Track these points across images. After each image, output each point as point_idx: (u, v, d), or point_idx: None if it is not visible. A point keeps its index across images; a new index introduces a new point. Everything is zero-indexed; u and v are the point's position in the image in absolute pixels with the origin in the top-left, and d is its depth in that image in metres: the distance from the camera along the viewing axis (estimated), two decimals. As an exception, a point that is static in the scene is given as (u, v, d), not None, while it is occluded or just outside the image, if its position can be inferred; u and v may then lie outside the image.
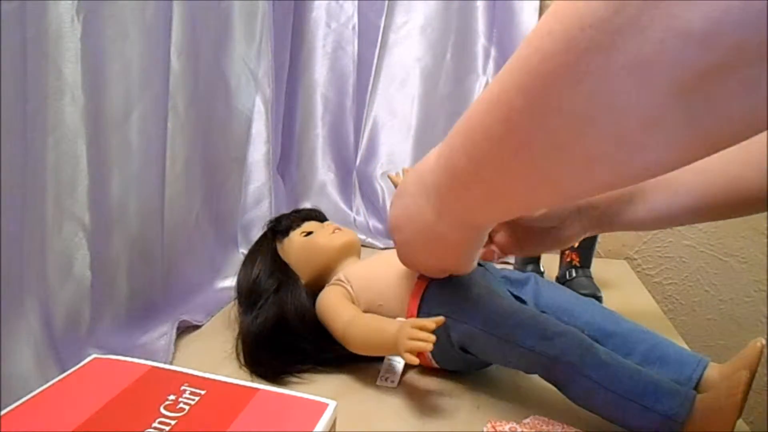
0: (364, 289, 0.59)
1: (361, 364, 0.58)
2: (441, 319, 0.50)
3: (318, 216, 0.70)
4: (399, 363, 0.57)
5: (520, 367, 0.51)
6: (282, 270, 0.63)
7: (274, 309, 0.59)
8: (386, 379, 0.55)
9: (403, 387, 0.56)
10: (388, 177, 0.82)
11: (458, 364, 0.57)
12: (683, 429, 0.43)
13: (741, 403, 0.41)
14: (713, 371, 0.50)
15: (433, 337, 0.48)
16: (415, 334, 0.49)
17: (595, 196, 0.68)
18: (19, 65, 0.47)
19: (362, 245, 0.96)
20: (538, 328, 0.49)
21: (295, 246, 0.65)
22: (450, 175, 0.40)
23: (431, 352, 0.53)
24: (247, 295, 0.62)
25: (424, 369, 0.58)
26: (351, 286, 0.60)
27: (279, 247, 0.65)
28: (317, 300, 0.60)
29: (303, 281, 0.63)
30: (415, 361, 0.49)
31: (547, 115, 0.28)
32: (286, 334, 0.59)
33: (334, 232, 0.66)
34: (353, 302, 0.59)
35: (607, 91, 0.25)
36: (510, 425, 0.48)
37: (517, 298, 0.57)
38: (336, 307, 0.58)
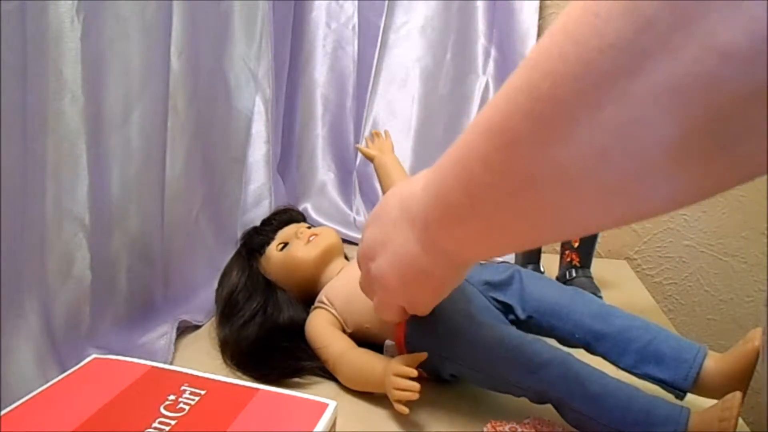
0: (348, 312, 0.58)
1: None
2: (423, 355, 0.50)
3: (290, 216, 0.68)
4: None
5: (513, 395, 0.51)
6: (265, 287, 0.62)
7: (266, 319, 0.59)
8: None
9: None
10: (356, 147, 0.79)
11: (452, 378, 0.56)
12: None
13: (734, 427, 0.41)
14: (711, 363, 0.49)
15: (417, 386, 0.48)
16: (399, 384, 0.48)
17: (609, 229, 0.66)
18: (19, 65, 0.47)
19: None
20: (523, 360, 0.48)
21: (274, 263, 0.64)
22: (441, 207, 0.36)
23: (425, 370, 0.54)
24: (226, 308, 0.62)
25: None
26: (335, 309, 0.59)
27: (258, 265, 0.64)
28: (305, 327, 0.60)
29: (292, 295, 0.62)
30: (405, 411, 0.48)
31: (558, 146, 0.26)
32: (285, 341, 0.58)
33: (309, 239, 0.63)
34: (342, 326, 0.58)
35: (630, 120, 0.23)
36: (510, 425, 0.48)
37: (503, 303, 0.56)
38: (325, 338, 0.57)
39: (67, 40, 0.53)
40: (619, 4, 0.22)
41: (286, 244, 0.64)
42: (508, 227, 0.33)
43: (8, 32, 0.45)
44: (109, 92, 0.59)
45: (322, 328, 0.58)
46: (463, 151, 0.32)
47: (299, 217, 0.70)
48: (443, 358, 0.52)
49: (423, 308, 0.47)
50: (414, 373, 0.49)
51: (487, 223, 0.33)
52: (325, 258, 0.63)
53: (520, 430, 0.48)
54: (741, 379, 0.47)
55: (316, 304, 0.61)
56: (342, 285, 0.60)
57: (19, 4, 0.46)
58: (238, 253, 0.67)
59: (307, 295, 0.63)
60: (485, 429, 0.49)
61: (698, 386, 0.48)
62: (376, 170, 0.75)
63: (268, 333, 0.58)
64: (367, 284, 0.48)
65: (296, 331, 0.59)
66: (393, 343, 0.55)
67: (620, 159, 0.24)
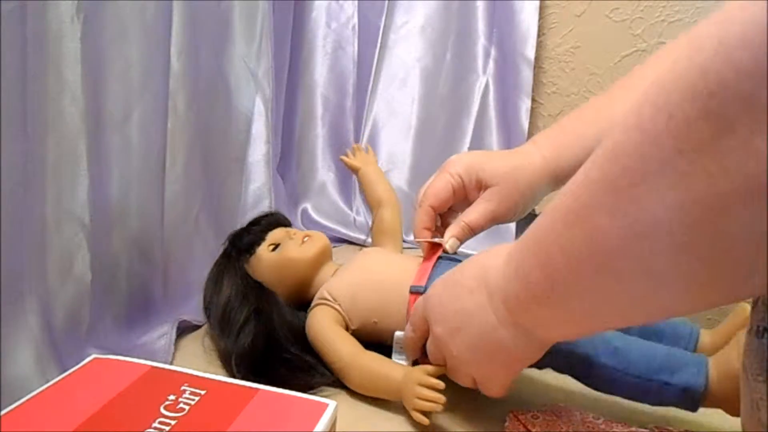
0: (355, 308, 0.57)
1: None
2: (444, 368, 0.49)
3: (278, 221, 0.67)
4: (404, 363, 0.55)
5: (538, 365, 0.50)
6: (257, 290, 0.60)
7: (261, 328, 0.56)
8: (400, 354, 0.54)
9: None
10: (341, 159, 0.78)
11: None
12: (704, 395, 0.46)
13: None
14: (705, 339, 0.52)
15: (442, 398, 0.47)
16: (424, 394, 0.47)
17: (699, 312, 0.66)
18: (19, 65, 0.47)
19: (362, 245, 0.97)
20: None
21: (265, 263, 0.62)
22: (521, 284, 0.37)
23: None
24: (222, 319, 0.59)
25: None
26: (339, 305, 0.57)
27: (247, 266, 0.63)
28: (307, 325, 0.58)
29: (282, 297, 0.61)
30: (426, 421, 0.47)
31: (639, 240, 0.26)
32: (285, 347, 0.56)
33: (303, 240, 0.62)
34: (346, 324, 0.57)
35: (713, 218, 0.23)
36: (531, 413, 0.50)
37: None
38: (332, 341, 0.55)
39: (67, 40, 0.53)
40: (697, 109, 0.22)
41: (276, 246, 0.63)
42: (589, 312, 0.33)
43: (8, 32, 0.45)
44: (109, 92, 0.59)
45: (328, 329, 0.56)
46: (544, 232, 0.33)
47: (286, 222, 0.69)
48: None
49: (495, 386, 0.45)
50: (442, 385, 0.47)
51: (567, 305, 0.34)
52: (321, 258, 0.63)
53: (541, 416, 0.49)
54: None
55: (318, 301, 0.59)
56: (346, 281, 0.59)
57: (19, 4, 0.46)
58: (226, 255, 0.65)
59: (298, 298, 0.62)
60: (507, 417, 0.50)
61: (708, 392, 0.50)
62: (359, 181, 0.76)
63: (266, 338, 0.56)
64: (436, 349, 0.47)
65: (295, 335, 0.58)
66: (402, 333, 0.54)
67: (706, 253, 0.24)
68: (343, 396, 0.54)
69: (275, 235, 0.64)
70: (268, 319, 0.57)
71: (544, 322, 0.38)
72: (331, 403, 0.40)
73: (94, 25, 0.56)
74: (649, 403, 0.49)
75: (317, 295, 0.60)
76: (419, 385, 0.48)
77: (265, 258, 0.62)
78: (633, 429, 0.48)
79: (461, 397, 0.54)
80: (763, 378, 0.31)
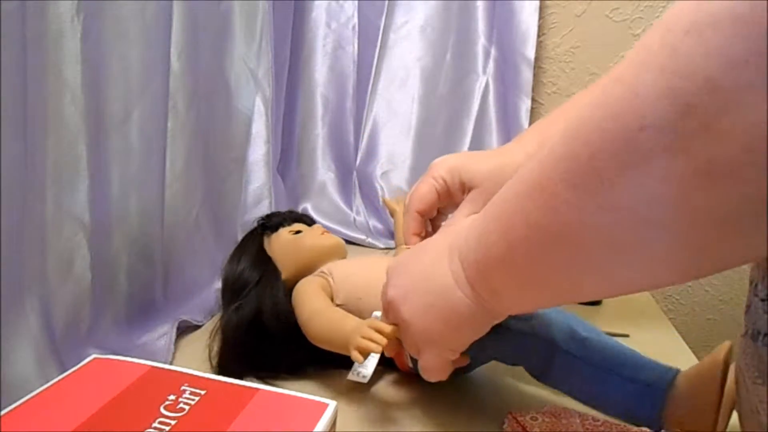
0: (345, 282, 0.59)
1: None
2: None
3: (309, 221, 0.70)
4: (373, 357, 0.54)
5: (497, 352, 0.51)
6: (265, 264, 0.63)
7: (251, 304, 0.59)
8: (357, 374, 0.52)
9: (403, 387, 0.56)
10: (383, 200, 0.91)
11: None
12: (666, 399, 0.43)
13: (725, 366, 0.41)
14: (681, 380, 0.47)
15: (384, 341, 0.46)
16: (368, 334, 0.47)
17: (646, 291, 0.64)
18: (19, 65, 0.47)
19: (362, 245, 0.97)
20: None
21: (282, 241, 0.65)
22: (482, 250, 0.37)
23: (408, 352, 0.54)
24: (230, 288, 0.62)
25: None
26: (332, 278, 0.60)
27: (266, 241, 0.66)
28: (295, 287, 0.60)
29: (284, 276, 0.62)
30: (360, 359, 0.47)
31: (599, 212, 0.26)
32: (259, 333, 0.58)
33: (322, 233, 0.66)
34: (331, 295, 0.59)
35: (674, 195, 0.23)
36: (530, 415, 0.49)
37: None
38: (309, 295, 0.58)
39: (67, 40, 0.53)
40: (660, 88, 0.22)
41: (298, 232, 0.66)
42: (544, 281, 0.33)
43: (8, 32, 0.45)
44: (109, 92, 0.59)
45: (310, 289, 0.59)
46: (508, 201, 0.34)
47: (313, 223, 0.71)
48: None
49: (440, 349, 0.44)
50: (388, 329, 0.46)
51: (524, 274, 0.34)
52: (332, 251, 0.65)
53: (540, 418, 0.49)
54: (710, 391, 0.44)
55: (315, 273, 0.62)
56: (348, 262, 0.62)
57: (19, 4, 0.46)
58: (252, 230, 0.68)
59: (299, 279, 0.63)
60: (506, 418, 0.50)
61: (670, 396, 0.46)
62: (394, 220, 0.85)
63: (252, 314, 0.58)
64: (391, 301, 0.46)
65: (277, 314, 0.58)
66: (381, 314, 0.54)
67: (666, 230, 0.24)
68: (343, 396, 0.54)
69: (301, 225, 0.68)
70: (261, 293, 0.60)
71: (501, 290, 0.37)
72: (331, 403, 0.40)
73: (94, 25, 0.55)
74: (607, 406, 0.46)
75: (317, 270, 0.62)
76: (369, 326, 0.48)
77: (284, 237, 0.65)
78: (633, 430, 0.48)
79: (461, 397, 0.54)
80: (762, 381, 0.31)
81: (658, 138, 0.22)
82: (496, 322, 0.41)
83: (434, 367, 0.45)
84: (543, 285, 0.34)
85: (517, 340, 0.48)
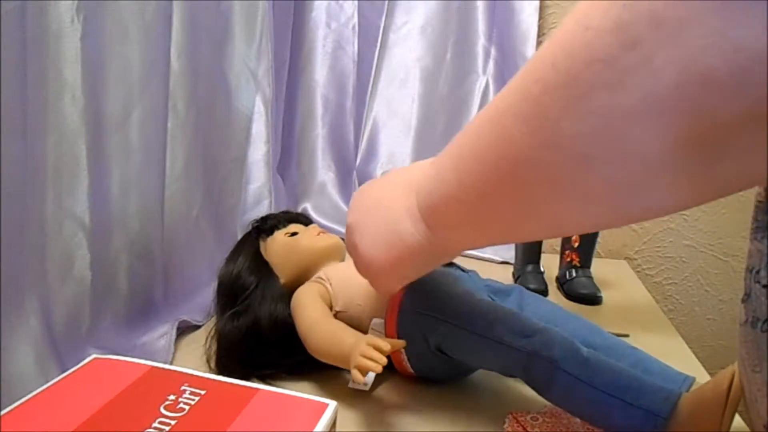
0: (344, 288, 0.58)
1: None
2: (402, 342, 0.50)
3: (305, 221, 0.69)
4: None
5: (498, 366, 0.51)
6: (262, 268, 0.62)
7: (249, 314, 0.58)
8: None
9: (403, 387, 0.56)
10: None
11: (435, 370, 0.56)
12: (667, 426, 0.43)
13: (727, 393, 0.40)
14: (684, 401, 0.45)
15: (384, 360, 0.47)
16: (367, 353, 0.47)
17: (587, 232, 0.64)
18: (19, 65, 0.47)
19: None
20: (518, 324, 0.49)
21: (278, 245, 0.64)
22: (435, 183, 0.37)
23: (408, 356, 0.54)
24: (226, 293, 0.62)
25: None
26: (330, 284, 0.59)
27: (262, 245, 0.65)
28: (294, 294, 0.60)
29: (282, 281, 0.62)
30: (361, 379, 0.48)
31: (543, 148, 0.27)
32: (257, 340, 0.58)
33: (318, 234, 0.65)
34: (330, 301, 0.58)
35: (611, 133, 0.24)
36: (531, 415, 0.49)
37: None
38: (307, 304, 0.57)
39: (67, 40, 0.53)
40: (610, 20, 0.22)
41: (294, 234, 0.65)
42: (489, 218, 0.34)
43: (8, 32, 0.45)
44: (109, 92, 0.59)
45: (308, 296, 0.58)
46: (462, 137, 0.34)
47: (310, 223, 0.71)
48: (438, 320, 0.51)
49: (382, 280, 0.45)
50: (387, 347, 0.47)
51: (469, 210, 0.34)
52: (329, 252, 0.64)
53: (540, 418, 0.49)
54: (713, 420, 0.43)
55: (313, 279, 0.61)
56: (345, 267, 0.61)
57: (19, 4, 0.46)
58: (249, 233, 0.67)
59: (297, 283, 0.63)
60: (507, 419, 0.50)
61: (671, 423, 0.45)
62: None
63: (249, 321, 0.58)
64: (348, 235, 0.47)
65: (275, 320, 0.58)
66: (382, 320, 0.54)
67: (601, 168, 0.25)
68: (343, 396, 0.54)
69: (297, 227, 0.67)
70: (259, 299, 0.59)
71: (448, 223, 0.38)
72: (331, 403, 0.40)
73: (94, 25, 0.56)
74: (606, 427, 0.45)
75: (315, 275, 0.62)
76: (367, 345, 0.48)
77: (279, 240, 0.64)
78: None
79: (462, 397, 0.54)
80: (760, 368, 0.32)
81: (603, 73, 0.23)
82: (442, 261, 0.43)
83: (383, 287, 0.47)
84: (488, 220, 0.34)
85: (519, 357, 0.48)
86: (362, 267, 0.46)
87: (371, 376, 0.51)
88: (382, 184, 0.45)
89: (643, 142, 0.23)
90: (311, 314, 0.56)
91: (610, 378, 0.45)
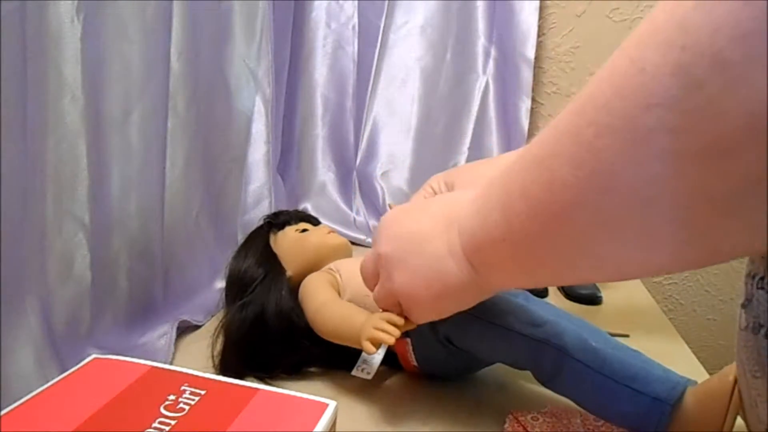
0: (352, 279, 0.58)
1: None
2: (413, 323, 0.49)
3: (315, 221, 0.71)
4: (378, 354, 0.54)
5: (507, 357, 0.51)
6: (270, 261, 0.63)
7: (256, 303, 0.59)
8: (362, 370, 0.53)
9: (403, 387, 0.56)
10: (390, 206, 0.85)
11: (439, 364, 0.56)
12: (673, 414, 0.43)
13: (733, 384, 0.40)
14: (690, 394, 0.46)
15: (398, 332, 0.47)
16: (381, 325, 0.47)
17: (645, 277, 0.62)
18: (19, 65, 0.47)
19: (362, 245, 0.97)
20: (527, 315, 0.49)
21: (288, 239, 0.65)
22: (480, 222, 0.36)
23: (413, 346, 0.54)
24: (235, 284, 0.63)
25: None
26: (340, 275, 0.60)
27: (272, 239, 0.66)
28: (303, 281, 0.60)
29: (289, 273, 0.63)
30: (372, 350, 0.47)
31: (600, 193, 0.26)
32: (262, 331, 0.58)
33: (329, 233, 0.67)
34: (338, 291, 0.59)
35: (675, 175, 0.23)
36: (531, 414, 0.49)
37: None
38: (317, 288, 0.58)
39: (67, 40, 0.53)
40: (668, 64, 0.22)
41: (305, 230, 0.66)
42: (539, 258, 0.33)
43: (8, 32, 0.45)
44: (109, 92, 0.59)
45: (318, 282, 0.59)
46: (510, 175, 0.33)
47: (319, 224, 0.72)
48: None
49: (418, 313, 0.45)
50: (401, 321, 0.47)
51: (517, 249, 0.33)
52: (338, 250, 0.65)
53: (541, 418, 0.49)
54: (717, 412, 0.44)
55: (323, 269, 0.62)
56: (353, 261, 0.62)
57: (19, 4, 0.46)
58: (259, 227, 0.68)
59: (304, 277, 0.63)
60: (507, 418, 0.50)
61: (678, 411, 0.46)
62: None
63: (256, 313, 0.58)
64: (377, 267, 0.46)
65: (280, 312, 0.59)
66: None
67: (665, 210, 0.24)
68: (343, 396, 0.54)
69: (308, 225, 0.68)
70: (266, 291, 0.60)
71: (495, 264, 0.37)
72: (331, 403, 0.40)
73: (94, 25, 0.55)
74: (613, 417, 0.46)
75: (325, 267, 0.62)
76: (381, 318, 0.48)
77: (290, 235, 0.66)
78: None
79: (462, 397, 0.54)
80: (761, 374, 0.31)
81: (663, 117, 0.22)
82: (483, 298, 0.42)
83: (416, 317, 0.45)
84: (538, 262, 0.33)
85: (529, 346, 0.48)
86: (404, 300, 0.45)
87: (375, 364, 0.51)
88: (418, 215, 0.44)
89: (713, 182, 0.22)
90: (322, 296, 0.57)
91: (619, 367, 0.45)
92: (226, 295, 0.65)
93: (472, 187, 0.52)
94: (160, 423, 0.36)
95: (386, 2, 1.03)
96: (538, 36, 1.01)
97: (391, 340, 0.47)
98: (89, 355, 0.45)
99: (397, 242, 0.44)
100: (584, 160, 0.26)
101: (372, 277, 0.47)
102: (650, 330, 0.71)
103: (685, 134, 0.22)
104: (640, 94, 0.23)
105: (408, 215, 0.45)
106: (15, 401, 0.38)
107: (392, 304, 0.46)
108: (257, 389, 0.41)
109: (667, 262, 0.28)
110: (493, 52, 1.05)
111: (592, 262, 0.30)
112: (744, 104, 0.20)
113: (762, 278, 0.32)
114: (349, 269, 0.60)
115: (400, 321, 0.47)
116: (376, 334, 0.47)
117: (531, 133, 1.02)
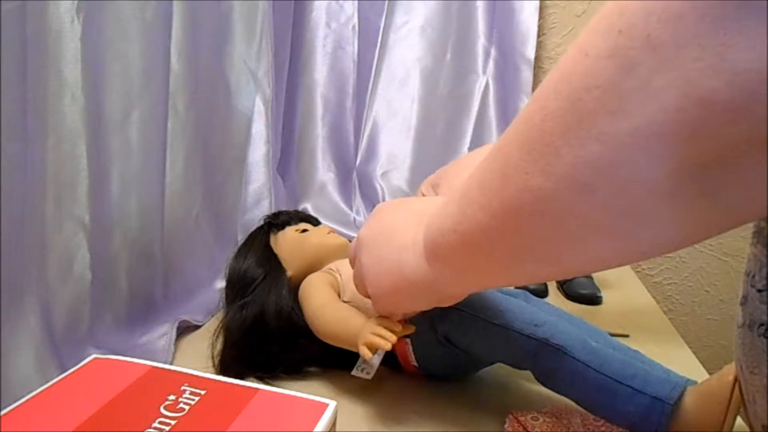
0: (352, 282, 0.58)
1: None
2: (412, 328, 0.50)
3: (316, 222, 0.71)
4: (378, 355, 0.54)
5: (507, 355, 0.51)
6: (271, 261, 0.63)
7: (256, 303, 0.59)
8: (362, 370, 0.53)
9: (403, 387, 0.56)
10: None
11: (439, 364, 0.56)
12: (673, 413, 0.43)
13: (733, 384, 0.41)
14: (690, 394, 0.46)
15: (394, 338, 0.47)
16: (378, 330, 0.48)
17: (590, 273, 0.61)
18: (19, 65, 0.47)
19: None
20: (527, 314, 0.50)
21: (288, 239, 0.65)
22: (440, 213, 0.37)
23: (413, 346, 0.54)
24: (235, 284, 0.62)
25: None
26: (340, 275, 0.60)
27: (272, 239, 0.66)
28: (303, 281, 0.60)
29: (289, 273, 0.63)
30: (369, 355, 0.48)
31: (544, 177, 0.26)
32: (261, 331, 0.58)
33: (329, 233, 0.67)
34: (338, 292, 0.59)
35: (612, 159, 0.23)
36: (531, 414, 0.49)
37: None
38: (317, 289, 0.58)
39: (67, 40, 0.53)
40: (607, 47, 0.22)
41: (305, 231, 0.66)
42: (489, 254, 0.32)
43: (8, 32, 0.45)
44: (109, 92, 0.59)
45: (318, 282, 0.59)
46: (478, 167, 0.33)
47: (319, 224, 0.72)
48: (449, 307, 0.50)
49: (377, 301, 0.46)
50: (398, 327, 0.48)
51: (467, 242, 0.33)
52: (338, 251, 0.65)
53: (541, 418, 0.49)
54: (717, 411, 0.44)
55: (323, 269, 0.62)
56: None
57: (19, 4, 0.46)
58: (259, 227, 0.68)
59: (304, 277, 0.63)
60: (507, 418, 0.50)
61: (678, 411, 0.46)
62: None
63: (256, 313, 0.58)
64: (353, 251, 0.47)
65: (280, 312, 0.59)
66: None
67: (603, 197, 0.24)
68: (343, 396, 0.54)
69: (308, 225, 0.68)
70: (266, 291, 0.60)
71: (444, 256, 0.37)
72: (331, 403, 0.40)
73: (94, 25, 0.56)
74: (613, 417, 0.46)
75: (325, 267, 0.63)
76: (378, 324, 0.48)
77: (290, 235, 0.66)
78: (634, 431, 0.47)
79: (462, 397, 0.54)
80: (758, 370, 0.32)
81: (602, 98, 0.22)
82: (438, 302, 0.42)
83: (379, 310, 0.47)
84: (485, 257, 0.33)
85: (528, 345, 0.48)
86: (369, 287, 0.45)
87: (375, 365, 0.51)
88: (403, 207, 0.45)
89: (645, 168, 0.22)
90: (320, 297, 0.57)
91: (619, 366, 0.45)
92: (226, 295, 0.65)
93: (445, 179, 0.53)
94: (160, 423, 0.36)
95: (386, 2, 1.03)
96: (538, 36, 1.01)
97: (388, 346, 0.47)
98: (89, 355, 0.45)
99: (373, 229, 0.45)
100: (533, 144, 0.26)
101: (353, 259, 0.48)
102: (650, 330, 0.71)
103: (622, 116, 0.22)
104: (583, 78, 0.23)
105: (393, 207, 0.46)
106: (15, 401, 0.38)
107: (363, 288, 0.47)
108: (257, 389, 0.41)
109: (609, 254, 0.28)
110: (493, 52, 1.05)
111: (541, 256, 0.30)
112: (674, 85, 0.20)
113: (754, 276, 0.32)
114: (349, 269, 0.60)
115: (398, 327, 0.48)
116: (373, 339, 0.48)
117: (531, 133, 1.02)
